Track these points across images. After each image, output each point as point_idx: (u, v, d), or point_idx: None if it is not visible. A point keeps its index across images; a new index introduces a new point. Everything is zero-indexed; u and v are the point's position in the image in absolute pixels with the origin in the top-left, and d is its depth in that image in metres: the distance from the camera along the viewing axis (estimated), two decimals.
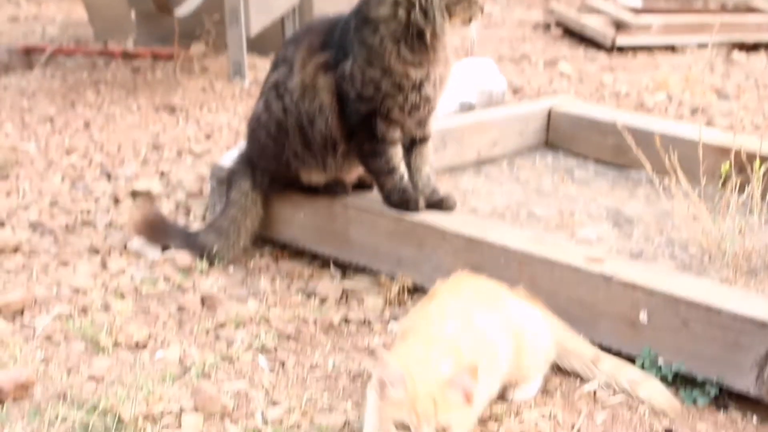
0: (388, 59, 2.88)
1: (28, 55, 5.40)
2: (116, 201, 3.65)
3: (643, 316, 2.54)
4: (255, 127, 3.18)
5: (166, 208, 3.57)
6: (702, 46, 5.95)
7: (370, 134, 2.98)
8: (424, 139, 3.03)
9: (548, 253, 2.72)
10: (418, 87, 2.91)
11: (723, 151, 3.39)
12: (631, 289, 2.56)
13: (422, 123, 3.01)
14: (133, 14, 5.72)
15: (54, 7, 6.81)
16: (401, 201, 2.98)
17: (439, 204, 3.00)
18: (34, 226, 3.39)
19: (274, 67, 3.16)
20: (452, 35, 2.90)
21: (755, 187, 3.08)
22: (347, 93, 2.97)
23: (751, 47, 6.20)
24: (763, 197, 3.12)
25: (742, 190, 3.12)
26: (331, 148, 3.05)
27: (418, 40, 2.87)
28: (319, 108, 3.02)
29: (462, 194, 3.56)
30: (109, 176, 3.88)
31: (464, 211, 3.32)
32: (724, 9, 7.01)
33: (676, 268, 3.00)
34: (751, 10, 6.78)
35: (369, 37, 2.90)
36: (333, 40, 3.03)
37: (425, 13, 2.84)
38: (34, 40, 5.88)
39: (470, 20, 2.86)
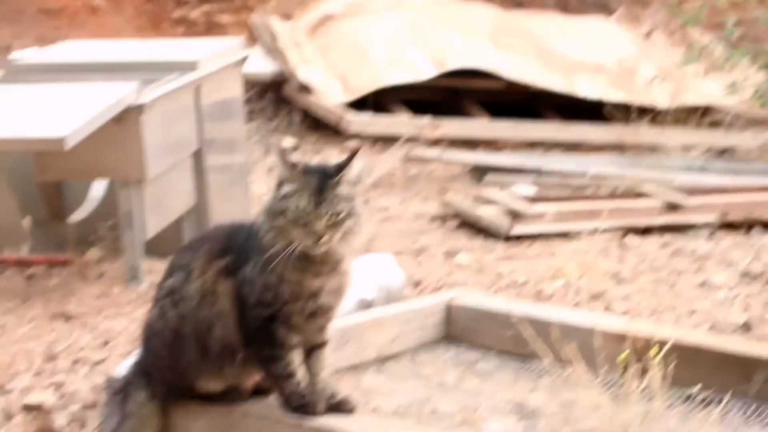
0: (282, 268, 2.87)
1: None
2: (8, 416, 3.54)
3: None
4: (149, 336, 3.12)
5: (59, 421, 3.46)
6: (595, 231, 6.06)
7: (270, 339, 2.94)
8: (322, 344, 3.01)
9: None
10: (315, 296, 2.90)
11: (621, 338, 3.42)
12: None
13: (321, 330, 2.99)
14: (26, 222, 5.67)
15: None
16: (300, 405, 2.93)
17: (338, 407, 2.96)
18: None
19: (169, 274, 3.12)
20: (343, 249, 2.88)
21: (654, 374, 3.09)
22: (247, 298, 2.94)
23: (643, 231, 6.34)
24: (663, 383, 3.13)
25: (643, 376, 3.13)
26: (229, 355, 3.00)
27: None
28: (219, 314, 2.98)
29: (364, 393, 3.51)
30: (0, 390, 3.77)
31: (366, 411, 3.26)
32: (613, 195, 7.18)
33: None
34: (639, 195, 6.96)
35: (267, 247, 2.89)
36: (234, 245, 3.01)
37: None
38: None
39: (302, 240, 2.83)
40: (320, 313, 2.94)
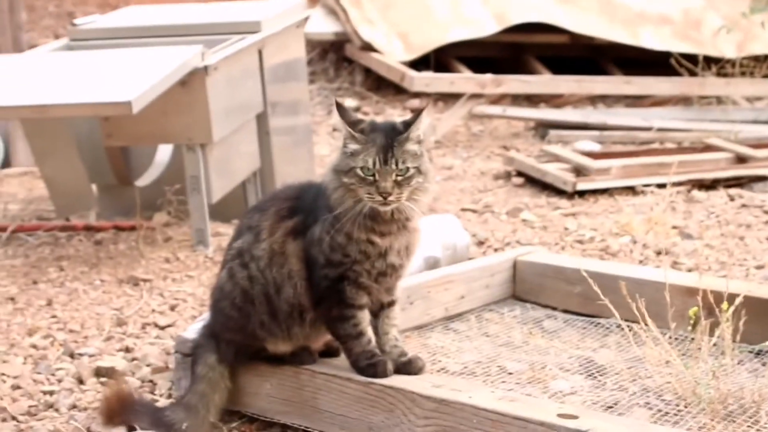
0: (350, 227, 2.87)
1: None
2: (80, 381, 3.58)
3: None
4: (218, 298, 3.14)
5: (131, 385, 3.51)
6: (662, 185, 5.99)
7: (339, 299, 2.94)
8: (391, 304, 3.01)
9: (520, 412, 2.68)
10: (384, 255, 2.90)
11: (690, 293, 3.40)
12: None
13: (390, 289, 2.99)
14: (94, 188, 5.73)
15: (16, 185, 6.81)
16: (369, 365, 2.93)
17: (407, 366, 2.96)
18: None
19: (238, 235, 3.14)
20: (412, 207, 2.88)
21: (725, 328, 3.06)
22: (316, 258, 2.95)
23: (710, 184, 6.26)
24: (734, 338, 3.11)
25: (712, 332, 3.11)
26: (299, 316, 3.01)
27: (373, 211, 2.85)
28: (288, 274, 2.99)
29: (431, 352, 3.52)
30: (72, 355, 3.82)
31: (434, 371, 3.28)
32: (679, 149, 7.11)
33: (653, 418, 2.96)
34: (706, 148, 6.88)
35: (335, 207, 2.90)
36: (302, 206, 3.02)
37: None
38: None
39: (369, 199, 2.84)
40: (389, 273, 2.94)
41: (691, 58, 8.26)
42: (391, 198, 2.81)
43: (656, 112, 8.11)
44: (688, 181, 6.23)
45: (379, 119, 8.47)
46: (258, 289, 3.02)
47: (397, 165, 2.82)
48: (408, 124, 2.88)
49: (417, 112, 2.90)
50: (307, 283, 2.98)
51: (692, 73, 8.16)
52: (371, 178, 2.82)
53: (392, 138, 2.85)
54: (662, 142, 7.59)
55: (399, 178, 2.82)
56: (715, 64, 8.26)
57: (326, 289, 2.95)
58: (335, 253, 2.91)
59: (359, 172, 2.82)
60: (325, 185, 2.93)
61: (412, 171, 2.84)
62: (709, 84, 8.14)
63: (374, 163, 2.81)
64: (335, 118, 8.49)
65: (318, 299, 2.98)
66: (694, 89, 8.13)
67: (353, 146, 2.85)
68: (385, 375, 2.92)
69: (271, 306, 3.01)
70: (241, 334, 3.08)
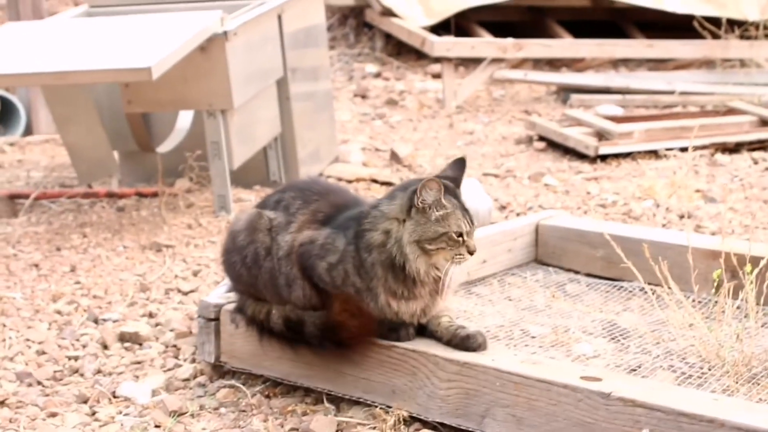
0: (375, 285, 2.86)
1: (12, 201, 5.39)
2: (104, 346, 3.60)
3: None
4: (230, 249, 3.11)
5: (154, 350, 3.52)
6: (685, 149, 5.97)
7: None
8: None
9: (544, 374, 2.67)
10: (397, 314, 2.89)
11: (714, 256, 3.38)
12: (631, 406, 2.51)
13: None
14: (116, 155, 5.74)
15: (38, 152, 6.83)
16: (391, 330, 2.93)
17: (465, 342, 2.88)
18: (21, 378, 3.33)
19: (275, 204, 3.09)
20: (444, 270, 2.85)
21: (749, 291, 3.05)
22: (320, 275, 2.91)
23: (733, 148, 6.23)
24: (757, 301, 3.09)
25: (736, 294, 3.09)
26: (310, 308, 3.00)
27: (403, 272, 2.83)
28: (294, 277, 2.97)
29: (454, 316, 3.50)
30: (96, 321, 3.84)
31: None
32: (702, 112, 7.07)
33: (676, 381, 2.95)
34: (730, 111, 6.84)
35: (363, 252, 2.86)
36: (337, 221, 2.97)
37: (401, 247, 2.82)
38: (19, 185, 5.88)
39: (454, 260, 2.81)
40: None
41: (714, 21, 8.21)
42: (474, 252, 2.84)
43: (679, 76, 8.08)
44: (711, 144, 6.20)
45: (401, 85, 8.46)
46: (268, 266, 3.02)
47: (474, 223, 2.86)
48: (457, 181, 2.91)
49: (460, 168, 2.94)
50: (311, 292, 2.96)
51: (715, 36, 8.11)
52: (461, 239, 2.81)
53: (458, 197, 2.87)
54: (685, 105, 7.55)
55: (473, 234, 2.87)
56: (739, 27, 8.21)
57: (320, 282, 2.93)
58: (344, 285, 2.89)
59: (453, 236, 2.81)
60: (372, 240, 2.86)
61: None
62: (733, 47, 8.09)
63: (465, 225, 2.82)
64: (356, 84, 8.48)
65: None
66: (717, 52, 8.08)
67: (439, 212, 2.81)
68: (407, 339, 2.91)
69: (278, 293, 3.02)
70: (252, 290, 3.09)
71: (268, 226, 3.04)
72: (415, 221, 2.82)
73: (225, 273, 3.21)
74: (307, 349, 3.04)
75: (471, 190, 4.49)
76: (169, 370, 3.38)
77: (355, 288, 2.88)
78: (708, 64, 8.32)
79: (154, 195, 5.40)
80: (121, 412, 3.09)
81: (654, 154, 6.15)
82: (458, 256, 2.81)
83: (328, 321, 2.93)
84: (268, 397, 3.14)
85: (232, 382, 3.23)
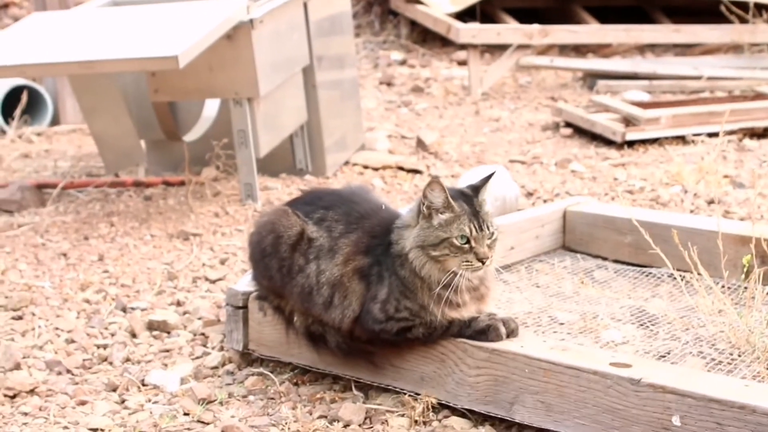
0: (422, 296, 2.84)
1: (40, 191, 5.41)
2: (133, 335, 3.61)
3: (675, 420, 2.47)
4: (257, 240, 3.14)
5: (183, 338, 3.54)
6: (713, 135, 5.93)
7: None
8: None
9: (573, 361, 2.66)
10: (450, 323, 2.86)
11: (743, 241, 3.37)
12: (661, 392, 2.50)
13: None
14: (142, 144, 5.75)
15: (65, 142, 6.85)
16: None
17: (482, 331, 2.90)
18: (51, 366, 3.35)
19: (318, 222, 3.03)
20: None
21: None
22: (375, 315, 2.88)
23: (762, 133, 6.19)
24: None
25: (766, 280, 3.07)
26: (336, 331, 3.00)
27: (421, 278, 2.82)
28: (343, 305, 2.94)
29: None
30: (124, 309, 3.85)
31: None
32: (730, 97, 7.03)
33: (706, 367, 2.93)
34: (759, 96, 6.79)
35: (399, 269, 2.85)
36: (377, 249, 2.93)
37: (408, 253, 2.82)
38: (46, 175, 5.90)
39: (461, 267, 2.77)
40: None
41: (742, 5, 8.14)
42: (488, 261, 2.79)
43: (706, 61, 8.03)
44: (739, 129, 6.16)
45: (426, 72, 8.45)
46: (300, 282, 3.00)
47: (489, 229, 2.81)
48: (478, 189, 2.87)
49: (487, 176, 2.90)
50: (355, 321, 2.93)
51: (743, 20, 8.05)
52: (467, 245, 2.79)
53: (472, 203, 2.83)
54: (712, 90, 7.51)
55: (488, 241, 2.81)
56: (767, 11, 8.14)
57: (381, 332, 2.90)
58: (402, 314, 2.87)
59: (455, 241, 2.78)
60: (398, 252, 2.85)
61: (497, 234, 2.84)
62: (760, 31, 8.03)
63: (470, 230, 2.79)
64: (381, 72, 8.48)
65: (369, 337, 2.93)
66: (744, 37, 8.02)
67: (442, 217, 2.80)
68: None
69: (307, 306, 3.01)
70: (276, 290, 3.11)
71: (306, 250, 3.01)
72: (420, 226, 2.82)
73: (250, 266, 3.22)
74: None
75: (498, 177, 4.47)
76: (198, 358, 3.39)
77: (411, 313, 2.85)
78: (735, 48, 8.26)
79: (181, 184, 5.41)
80: (150, 400, 3.10)
81: (681, 139, 6.12)
82: (465, 264, 2.77)
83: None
84: (296, 384, 3.15)
85: (261, 369, 3.24)
